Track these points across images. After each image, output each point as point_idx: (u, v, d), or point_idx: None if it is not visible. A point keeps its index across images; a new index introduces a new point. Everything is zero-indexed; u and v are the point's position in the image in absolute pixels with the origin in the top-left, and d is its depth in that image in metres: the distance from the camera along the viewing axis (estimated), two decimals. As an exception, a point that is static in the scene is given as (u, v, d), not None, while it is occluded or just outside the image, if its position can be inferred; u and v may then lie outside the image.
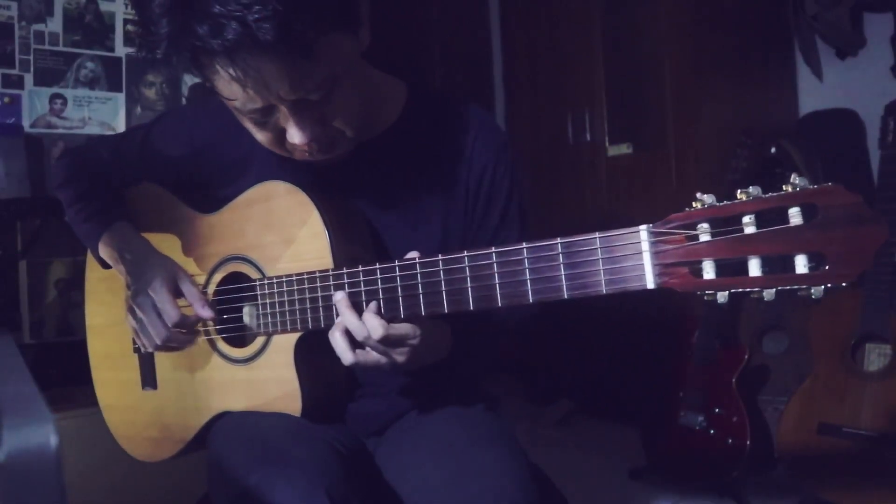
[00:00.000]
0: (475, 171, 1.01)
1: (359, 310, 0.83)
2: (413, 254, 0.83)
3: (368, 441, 1.04)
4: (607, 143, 2.75)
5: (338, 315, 0.85)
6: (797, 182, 0.62)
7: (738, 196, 0.64)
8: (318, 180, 0.98)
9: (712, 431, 2.00)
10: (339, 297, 0.84)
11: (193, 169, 1.07)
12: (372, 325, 0.81)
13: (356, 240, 0.95)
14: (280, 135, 0.86)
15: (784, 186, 0.63)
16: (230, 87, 0.78)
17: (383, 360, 0.84)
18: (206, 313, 0.95)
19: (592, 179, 2.80)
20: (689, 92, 2.49)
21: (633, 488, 2.15)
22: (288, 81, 0.77)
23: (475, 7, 3.55)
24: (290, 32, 0.71)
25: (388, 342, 0.82)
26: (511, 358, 2.94)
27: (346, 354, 0.83)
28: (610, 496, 2.12)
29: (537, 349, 2.91)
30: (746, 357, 2.01)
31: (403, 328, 0.82)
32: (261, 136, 0.88)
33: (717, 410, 2.00)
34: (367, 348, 0.84)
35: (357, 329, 0.82)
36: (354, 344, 0.84)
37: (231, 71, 0.74)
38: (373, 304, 0.82)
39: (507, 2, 3.36)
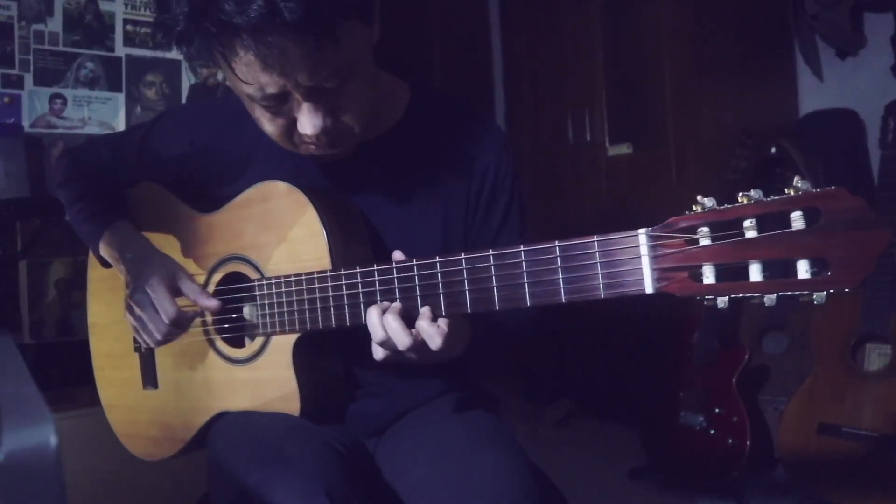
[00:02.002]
0: (477, 172, 1.01)
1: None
2: (397, 254, 0.83)
3: (368, 441, 1.04)
4: (607, 143, 2.75)
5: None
6: (799, 185, 0.62)
7: (740, 199, 0.64)
8: (319, 180, 0.98)
9: (712, 431, 2.00)
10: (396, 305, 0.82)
11: (193, 168, 1.07)
12: (428, 333, 0.80)
13: (355, 240, 0.95)
14: (290, 126, 0.86)
15: (786, 190, 0.62)
16: (248, 70, 0.78)
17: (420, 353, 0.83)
18: (210, 303, 0.95)
19: (592, 179, 2.80)
20: (689, 92, 2.49)
21: (633, 488, 2.15)
22: (307, 65, 0.77)
23: (475, 7, 3.55)
24: (315, 13, 0.72)
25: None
26: (511, 358, 2.94)
27: (403, 339, 0.80)
28: (610, 496, 2.12)
29: (537, 349, 2.91)
30: (746, 357, 2.01)
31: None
32: (270, 128, 0.88)
33: (717, 410, 2.00)
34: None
35: (402, 340, 0.81)
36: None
37: (253, 50, 0.74)
38: (427, 309, 0.80)
39: (507, 2, 3.36)
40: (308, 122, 0.84)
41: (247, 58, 0.76)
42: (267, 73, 0.77)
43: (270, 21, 0.71)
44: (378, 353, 0.84)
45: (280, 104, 0.83)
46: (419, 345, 0.81)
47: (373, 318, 0.82)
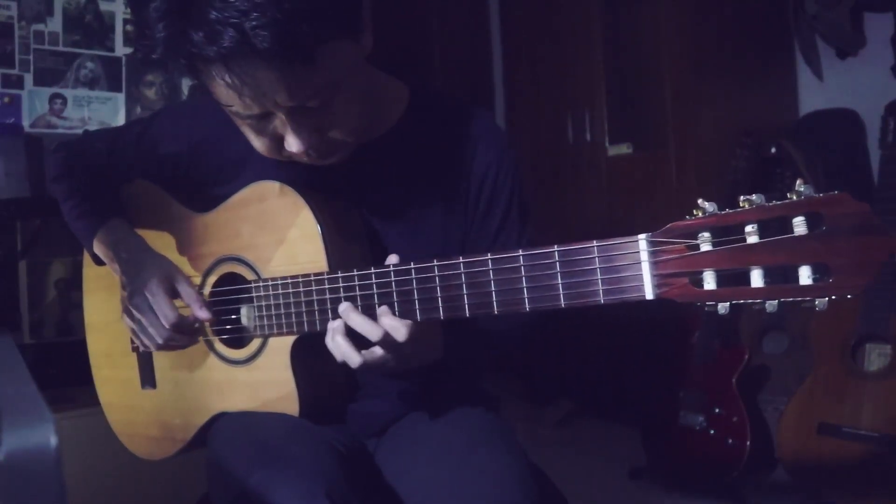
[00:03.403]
0: (477, 173, 1.01)
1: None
2: (392, 258, 0.83)
3: (369, 442, 1.04)
4: (607, 143, 2.75)
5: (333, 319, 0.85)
6: (802, 190, 0.61)
7: (741, 204, 0.63)
8: (316, 181, 0.98)
9: (712, 431, 2.00)
10: (345, 307, 0.84)
11: (189, 167, 1.06)
12: (392, 326, 0.81)
13: (352, 241, 0.95)
14: (278, 142, 0.85)
15: (788, 195, 0.62)
16: (227, 94, 0.77)
17: (390, 356, 0.83)
18: (204, 314, 0.95)
19: (592, 179, 2.80)
20: (689, 92, 2.49)
21: (633, 488, 2.15)
22: (285, 89, 0.76)
23: (475, 7, 3.55)
24: (289, 40, 0.70)
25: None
26: (510, 360, 2.94)
27: (353, 357, 0.83)
28: (610, 496, 2.12)
29: (537, 349, 2.91)
30: (746, 357, 2.01)
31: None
32: (258, 144, 0.87)
33: (717, 410, 2.00)
34: (373, 348, 0.83)
35: (371, 333, 0.82)
36: (359, 345, 0.84)
37: (227, 78, 0.74)
38: (385, 308, 0.82)
39: (507, 2, 3.36)
40: (294, 141, 0.83)
41: (223, 83, 0.75)
42: (244, 98, 0.76)
43: (241, 51, 0.70)
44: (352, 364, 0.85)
45: (264, 123, 0.83)
46: (378, 360, 0.83)
47: (328, 343, 0.84)
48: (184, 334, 0.98)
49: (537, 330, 1.07)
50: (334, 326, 0.84)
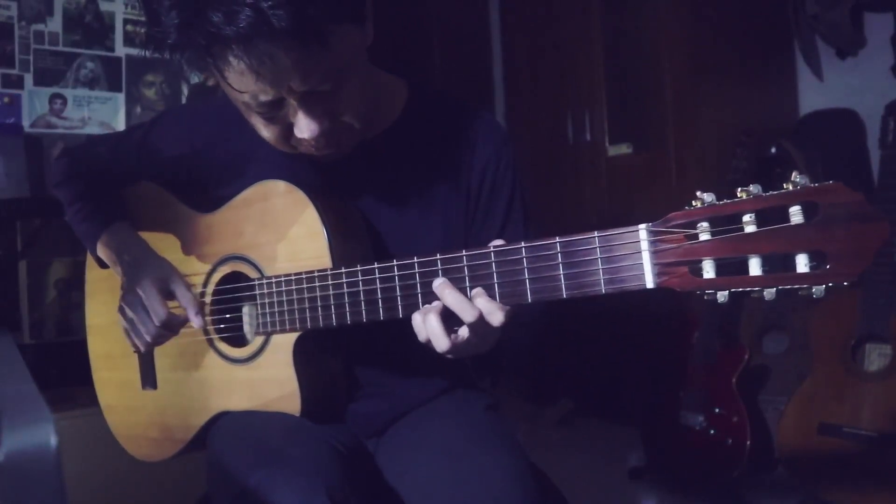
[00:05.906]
0: (477, 168, 1.01)
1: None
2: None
3: (369, 441, 1.04)
4: (607, 143, 2.75)
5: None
6: (798, 180, 0.62)
7: (739, 194, 0.64)
8: (318, 179, 0.98)
9: (712, 431, 2.00)
10: (441, 282, 0.79)
11: (193, 168, 1.07)
12: (488, 308, 0.77)
13: (355, 239, 0.95)
14: (287, 130, 0.86)
15: (785, 185, 0.63)
16: (241, 79, 0.78)
17: (474, 340, 0.80)
18: (198, 322, 0.96)
19: (592, 179, 2.80)
20: (689, 92, 2.49)
21: (633, 488, 2.15)
22: (300, 71, 0.77)
23: (475, 7, 3.55)
24: (304, 20, 0.72)
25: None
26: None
27: (442, 340, 0.79)
28: (610, 496, 2.12)
29: (537, 349, 2.91)
30: (746, 357, 2.01)
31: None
32: (267, 133, 0.88)
33: (717, 410, 2.00)
34: (460, 331, 0.80)
35: (465, 311, 0.77)
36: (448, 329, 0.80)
37: (244, 60, 0.74)
38: (480, 289, 0.78)
39: (507, 2, 3.36)
40: (305, 127, 0.84)
41: (239, 67, 0.76)
42: (260, 81, 0.77)
43: (259, 30, 0.71)
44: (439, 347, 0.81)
45: (276, 110, 0.83)
46: (462, 344, 0.79)
47: (416, 321, 0.80)
48: (174, 333, 0.98)
49: (546, 327, 1.06)
50: (431, 306, 0.80)
